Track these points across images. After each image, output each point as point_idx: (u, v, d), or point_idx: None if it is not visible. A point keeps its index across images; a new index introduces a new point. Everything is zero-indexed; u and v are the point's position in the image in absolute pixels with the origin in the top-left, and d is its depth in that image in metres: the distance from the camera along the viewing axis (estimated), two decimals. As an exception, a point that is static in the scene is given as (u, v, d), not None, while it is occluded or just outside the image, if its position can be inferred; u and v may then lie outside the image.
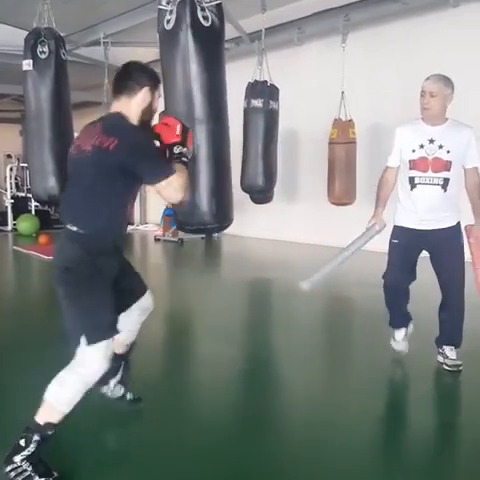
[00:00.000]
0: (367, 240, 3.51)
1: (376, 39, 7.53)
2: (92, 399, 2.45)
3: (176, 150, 2.37)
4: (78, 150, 2.34)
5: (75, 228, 2.32)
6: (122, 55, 10.12)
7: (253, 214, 9.41)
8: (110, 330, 2.32)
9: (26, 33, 4.31)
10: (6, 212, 11.83)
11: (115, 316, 2.38)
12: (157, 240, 9.96)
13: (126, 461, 2.49)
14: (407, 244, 3.45)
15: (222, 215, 3.31)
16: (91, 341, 2.22)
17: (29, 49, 3.92)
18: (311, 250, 8.35)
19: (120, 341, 2.63)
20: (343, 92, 7.01)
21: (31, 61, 3.90)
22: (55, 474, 2.22)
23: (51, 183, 4.00)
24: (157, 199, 8.86)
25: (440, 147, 3.31)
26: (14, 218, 11.48)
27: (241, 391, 3.34)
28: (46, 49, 3.90)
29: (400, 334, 3.65)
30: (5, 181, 12.22)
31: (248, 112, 6.11)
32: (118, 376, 2.80)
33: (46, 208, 12.33)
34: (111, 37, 8.36)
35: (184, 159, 2.37)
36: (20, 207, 11.75)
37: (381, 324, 3.80)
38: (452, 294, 3.43)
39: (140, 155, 2.24)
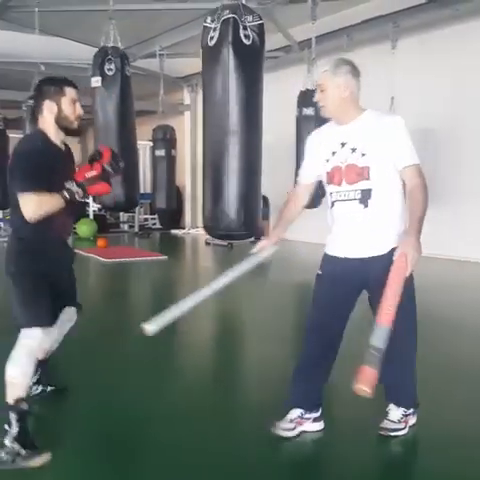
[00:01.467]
0: (243, 270, 2.80)
1: (426, 45, 7.58)
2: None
3: (68, 185, 2.47)
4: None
5: (12, 227, 2.63)
6: (177, 66, 10.61)
7: (301, 218, 9.55)
8: (44, 319, 2.47)
9: (88, 48, 4.66)
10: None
11: (47, 308, 2.50)
12: (207, 244, 10.23)
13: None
14: (332, 277, 2.63)
15: (249, 223, 3.42)
16: (27, 325, 2.44)
17: (97, 67, 4.26)
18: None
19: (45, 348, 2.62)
20: (393, 98, 7.14)
21: (100, 78, 4.23)
22: (37, 447, 2.36)
23: (118, 191, 4.30)
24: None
25: (353, 150, 2.49)
26: (75, 222, 12.02)
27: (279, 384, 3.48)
28: (113, 67, 4.22)
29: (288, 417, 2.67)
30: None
31: (300, 120, 6.30)
32: (34, 378, 2.81)
33: (103, 213, 12.86)
34: (166, 49, 8.75)
35: (66, 195, 2.43)
36: (80, 213, 12.27)
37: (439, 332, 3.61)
38: (394, 344, 2.36)
39: (15, 167, 2.43)
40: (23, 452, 2.30)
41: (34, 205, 2.36)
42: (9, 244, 2.60)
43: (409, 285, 2.47)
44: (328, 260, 2.68)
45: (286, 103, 7.06)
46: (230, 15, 3.29)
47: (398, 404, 2.68)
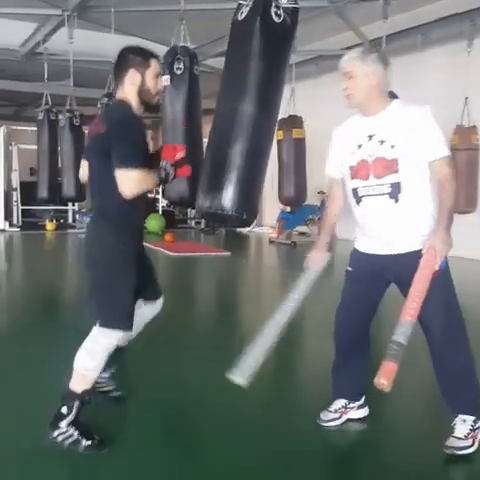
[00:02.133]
0: (305, 289, 2.76)
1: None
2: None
3: (163, 164, 2.45)
4: (90, 136, 2.50)
5: (95, 208, 2.50)
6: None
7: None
8: (125, 322, 2.42)
9: (160, 47, 4.81)
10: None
11: (132, 308, 2.45)
12: (271, 242, 10.30)
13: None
14: (361, 273, 2.60)
15: (245, 207, 3.15)
16: (105, 325, 2.39)
17: (167, 66, 4.40)
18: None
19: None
20: (467, 98, 6.94)
21: (169, 77, 4.38)
22: (96, 437, 2.41)
23: (183, 186, 4.43)
24: (273, 203, 9.18)
25: (381, 143, 2.41)
26: (145, 217, 12.39)
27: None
28: (182, 66, 4.35)
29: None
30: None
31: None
32: (113, 369, 2.81)
33: (171, 209, 13.19)
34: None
35: (162, 174, 2.43)
36: (149, 207, 12.67)
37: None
38: (436, 346, 2.46)
39: (115, 138, 2.29)
40: (80, 437, 2.38)
41: (135, 182, 2.30)
42: (93, 230, 2.50)
43: (447, 287, 2.42)
44: (358, 256, 2.64)
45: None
46: None
47: (464, 413, 2.49)
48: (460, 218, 7.26)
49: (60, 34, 7.64)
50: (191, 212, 13.84)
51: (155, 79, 2.44)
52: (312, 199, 9.10)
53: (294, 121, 7.83)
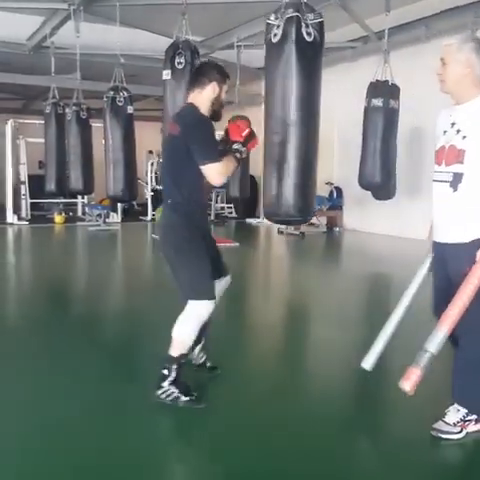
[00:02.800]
0: (418, 283, 2.80)
1: (508, 34, 7.31)
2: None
3: (235, 146, 2.86)
4: (165, 137, 2.94)
5: (169, 200, 2.91)
6: (256, 57, 10.73)
7: (374, 210, 9.51)
8: (210, 292, 2.86)
9: (165, 39, 4.87)
10: (146, 203, 12.94)
11: (211, 280, 2.91)
12: (280, 233, 10.40)
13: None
14: (434, 260, 2.71)
15: (305, 209, 3.66)
16: (195, 298, 2.83)
17: (168, 60, 4.48)
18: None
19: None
20: (470, 89, 6.93)
21: (170, 71, 4.46)
22: (194, 394, 2.88)
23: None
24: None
25: (457, 132, 2.48)
26: (153, 209, 12.52)
27: (347, 365, 3.63)
28: (183, 60, 4.42)
29: None
30: (146, 175, 13.29)
31: (368, 111, 6.30)
32: (200, 345, 3.25)
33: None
34: (244, 40, 8.91)
35: (237, 155, 2.84)
36: (159, 199, 12.74)
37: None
38: (461, 339, 2.51)
39: (194, 138, 2.73)
40: (181, 396, 2.83)
41: (220, 172, 2.74)
42: (167, 220, 2.92)
43: None
44: (433, 243, 2.70)
45: (361, 93, 7.02)
46: (293, 14, 3.48)
47: (460, 404, 2.57)
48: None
49: (67, 27, 7.72)
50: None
51: (225, 94, 2.94)
52: (321, 190, 9.16)
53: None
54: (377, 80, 6.33)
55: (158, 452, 2.48)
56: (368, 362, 2.84)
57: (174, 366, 2.84)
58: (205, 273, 2.84)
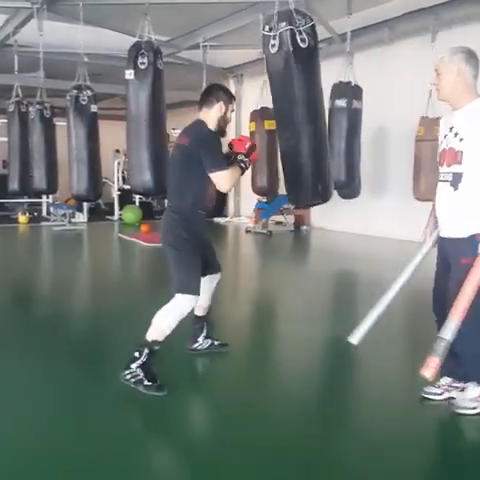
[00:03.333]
0: (417, 264, 3.00)
1: (465, 38, 7.44)
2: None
3: (239, 157, 3.20)
4: (174, 147, 3.25)
5: (171, 203, 3.21)
6: (222, 57, 10.78)
7: (341, 209, 9.63)
8: (195, 289, 3.11)
9: (130, 38, 4.87)
10: (113, 203, 12.84)
11: (198, 279, 3.15)
12: (248, 231, 10.45)
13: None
14: (437, 253, 2.94)
15: (325, 193, 4.11)
16: (180, 291, 3.08)
17: (131, 60, 4.49)
18: (396, 245, 8.47)
19: (199, 305, 3.34)
20: (431, 91, 7.08)
21: (133, 71, 4.47)
22: (158, 382, 2.97)
23: (147, 177, 4.57)
24: (250, 193, 9.28)
25: (455, 135, 2.73)
26: (120, 208, 12.44)
27: (315, 361, 3.72)
28: (145, 60, 4.45)
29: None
30: (114, 174, 13.17)
31: (332, 112, 6.40)
32: (204, 332, 3.58)
33: (149, 200, 13.22)
34: (211, 41, 8.92)
35: (242, 165, 3.19)
36: (126, 198, 12.65)
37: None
38: (466, 322, 2.66)
39: (204, 148, 3.06)
40: (145, 381, 2.95)
41: (229, 179, 3.08)
42: (169, 220, 3.20)
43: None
44: (438, 237, 2.92)
45: (326, 94, 7.11)
46: (287, 26, 3.75)
47: (476, 380, 2.77)
48: (425, 206, 7.56)
49: (30, 26, 7.62)
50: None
51: (230, 114, 3.25)
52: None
53: (266, 113, 7.93)
54: (340, 81, 6.44)
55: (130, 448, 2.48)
56: (355, 337, 2.97)
57: (146, 350, 2.97)
58: (195, 272, 3.12)
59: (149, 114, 4.52)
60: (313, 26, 3.80)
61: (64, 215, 11.32)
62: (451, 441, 2.74)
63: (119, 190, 12.80)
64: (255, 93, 8.20)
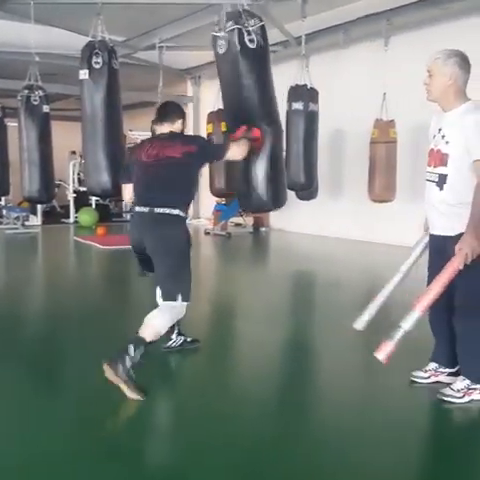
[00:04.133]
0: (418, 255, 3.09)
1: (418, 42, 7.66)
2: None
3: (243, 134, 3.56)
4: (158, 158, 3.31)
5: (174, 211, 3.25)
6: (180, 58, 10.74)
7: (298, 210, 9.73)
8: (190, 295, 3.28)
9: (85, 38, 4.80)
10: (68, 205, 12.60)
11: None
12: (207, 233, 10.43)
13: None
14: (429, 251, 3.06)
15: (276, 199, 4.00)
16: (184, 300, 3.21)
17: (85, 60, 4.42)
18: (352, 245, 8.63)
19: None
20: (385, 93, 7.24)
21: (87, 71, 4.40)
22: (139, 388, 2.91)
23: (104, 178, 4.52)
24: (209, 195, 9.30)
25: (443, 137, 2.82)
26: (76, 211, 12.22)
27: (271, 361, 3.73)
28: (100, 60, 4.38)
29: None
30: (69, 176, 12.92)
31: (289, 114, 6.45)
32: (176, 329, 3.65)
33: (106, 202, 13.03)
34: (168, 42, 8.88)
35: (247, 136, 3.54)
36: (82, 201, 12.44)
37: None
38: (458, 319, 2.88)
39: (208, 148, 3.60)
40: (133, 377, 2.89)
41: (241, 150, 3.48)
42: (169, 229, 3.25)
43: (477, 269, 2.70)
44: (430, 235, 3.03)
45: (283, 97, 7.16)
46: (234, 26, 3.71)
47: (464, 375, 2.91)
48: (380, 207, 7.72)
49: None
50: (126, 206, 13.71)
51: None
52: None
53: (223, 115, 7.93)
54: (297, 84, 6.50)
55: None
56: (360, 323, 3.05)
57: (141, 348, 2.95)
58: (190, 280, 3.31)
59: (105, 115, 4.45)
60: (263, 27, 3.76)
61: (17, 218, 11.03)
62: (435, 423, 2.89)
63: (75, 192, 12.57)
64: (213, 95, 8.19)
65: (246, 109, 3.74)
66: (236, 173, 4.05)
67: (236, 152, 3.47)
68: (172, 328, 3.53)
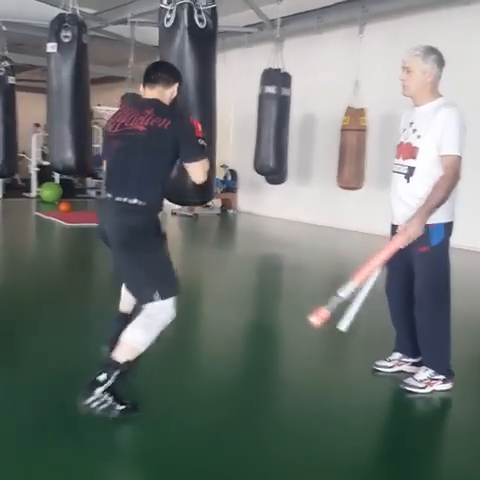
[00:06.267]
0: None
1: (392, 31, 7.69)
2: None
3: (201, 142, 2.71)
4: (124, 129, 2.64)
5: (134, 200, 2.57)
6: (150, 33, 10.47)
7: (267, 194, 9.74)
8: (176, 288, 2.69)
9: (55, 9, 4.64)
10: (30, 179, 12.28)
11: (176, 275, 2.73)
12: (173, 214, 10.34)
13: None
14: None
15: (202, 192, 3.61)
16: (164, 297, 2.60)
17: (54, 33, 4.28)
18: (319, 231, 8.70)
19: (127, 299, 2.94)
20: (357, 81, 7.24)
21: (56, 44, 4.26)
22: (129, 402, 2.55)
23: (68, 155, 4.41)
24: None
25: (414, 131, 2.89)
26: (38, 185, 11.93)
27: (237, 347, 3.75)
28: (69, 34, 4.25)
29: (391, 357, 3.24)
30: (32, 150, 12.58)
31: (262, 98, 6.41)
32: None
33: (70, 178, 12.76)
34: (140, 17, 8.66)
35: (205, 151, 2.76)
36: (45, 175, 12.13)
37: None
38: (424, 313, 2.93)
39: (187, 136, 2.64)
40: (117, 405, 2.50)
41: (205, 169, 2.69)
42: (132, 220, 2.59)
43: (437, 262, 2.87)
44: (391, 226, 3.05)
45: (257, 79, 7.09)
46: (185, 0, 3.46)
47: (427, 365, 2.98)
48: (348, 193, 7.78)
49: None
50: (91, 181, 13.49)
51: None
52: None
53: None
54: (270, 68, 6.44)
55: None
56: (344, 324, 2.88)
57: (116, 372, 2.50)
58: (172, 270, 2.72)
59: (72, 91, 4.33)
60: (214, 9, 3.60)
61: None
62: (397, 411, 2.94)
63: (38, 166, 12.26)
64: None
65: (185, 90, 3.40)
66: None
67: (205, 170, 2.71)
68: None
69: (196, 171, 2.67)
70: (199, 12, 3.46)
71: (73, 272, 5.85)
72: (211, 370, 3.28)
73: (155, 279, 2.63)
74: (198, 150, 2.67)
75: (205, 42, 3.56)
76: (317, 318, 2.64)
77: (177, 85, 2.83)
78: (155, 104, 2.70)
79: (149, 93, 2.77)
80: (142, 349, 2.56)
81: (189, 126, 2.67)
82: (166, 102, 2.76)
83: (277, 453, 2.37)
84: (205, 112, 3.60)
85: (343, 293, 2.67)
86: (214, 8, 3.55)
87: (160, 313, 2.59)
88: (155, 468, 2.25)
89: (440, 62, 2.87)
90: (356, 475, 2.26)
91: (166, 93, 2.77)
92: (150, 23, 9.10)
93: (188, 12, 3.44)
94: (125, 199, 2.58)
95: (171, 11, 3.47)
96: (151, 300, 2.58)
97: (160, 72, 2.81)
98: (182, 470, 2.23)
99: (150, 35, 10.73)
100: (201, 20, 3.47)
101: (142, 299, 2.63)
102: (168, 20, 3.49)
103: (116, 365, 2.51)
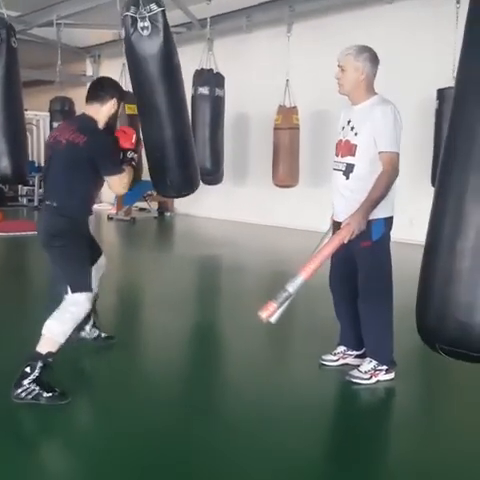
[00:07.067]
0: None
1: (320, 30, 7.87)
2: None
3: (129, 155, 3.04)
4: (55, 140, 2.95)
5: (55, 204, 2.91)
6: (79, 36, 10.31)
7: (204, 195, 9.70)
8: (89, 285, 2.93)
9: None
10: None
11: (90, 275, 2.99)
12: (110, 219, 10.17)
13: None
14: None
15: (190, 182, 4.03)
16: (75, 291, 2.85)
17: (-19, 38, 4.14)
18: (256, 230, 8.80)
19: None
20: (288, 80, 7.39)
21: (-17, 49, 4.13)
22: (58, 390, 2.75)
23: (4, 163, 4.27)
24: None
25: (352, 128, 2.95)
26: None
27: (181, 349, 3.76)
28: (-3, 38, 4.14)
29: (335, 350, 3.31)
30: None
31: (195, 99, 6.42)
32: (90, 321, 3.46)
33: (0, 186, 12.33)
34: (66, 19, 8.49)
35: (133, 163, 3.05)
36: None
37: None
38: (368, 304, 3.01)
39: (101, 153, 2.88)
40: (44, 393, 2.71)
41: (126, 182, 2.94)
42: (53, 221, 2.91)
43: (378, 256, 2.96)
44: (332, 222, 3.11)
45: (188, 81, 7.09)
46: (128, 13, 3.67)
47: (371, 356, 3.05)
48: (283, 192, 7.92)
49: None
50: (22, 189, 13.07)
51: (121, 111, 3.08)
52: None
53: (126, 97, 7.74)
54: (202, 68, 6.47)
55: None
56: (274, 316, 2.96)
57: (39, 364, 2.72)
58: (87, 267, 2.97)
59: (4, 95, 4.21)
60: (163, 12, 3.77)
61: None
62: (344, 404, 3.01)
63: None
64: (114, 75, 7.96)
65: (155, 98, 3.79)
66: (151, 162, 4.00)
67: (124, 183, 2.97)
68: (87, 319, 3.30)
69: (114, 184, 2.94)
70: (143, 19, 3.60)
71: (3, 285, 5.64)
72: (156, 373, 3.26)
73: (67, 273, 2.90)
74: (113, 166, 2.91)
75: (155, 47, 3.68)
76: (265, 312, 2.68)
77: (114, 101, 3.00)
78: (80, 120, 3.02)
79: (87, 109, 3.01)
80: (61, 340, 2.77)
81: (105, 143, 2.92)
82: (103, 118, 2.98)
83: (225, 454, 2.38)
84: (175, 110, 3.87)
85: (291, 288, 2.71)
86: (163, 11, 3.71)
87: (72, 306, 2.82)
88: (109, 468, 2.26)
89: (373, 60, 2.94)
90: (303, 470, 2.28)
91: (103, 110, 2.98)
92: (76, 25, 8.97)
93: (132, 24, 3.61)
94: (48, 202, 2.94)
95: (143, 19, 3.63)
96: (66, 293, 2.85)
97: (97, 90, 3.05)
98: (136, 467, 2.25)
99: (76, 37, 10.58)
100: (145, 28, 3.61)
101: (61, 292, 2.89)
102: (143, 28, 3.66)
103: (39, 357, 2.73)
